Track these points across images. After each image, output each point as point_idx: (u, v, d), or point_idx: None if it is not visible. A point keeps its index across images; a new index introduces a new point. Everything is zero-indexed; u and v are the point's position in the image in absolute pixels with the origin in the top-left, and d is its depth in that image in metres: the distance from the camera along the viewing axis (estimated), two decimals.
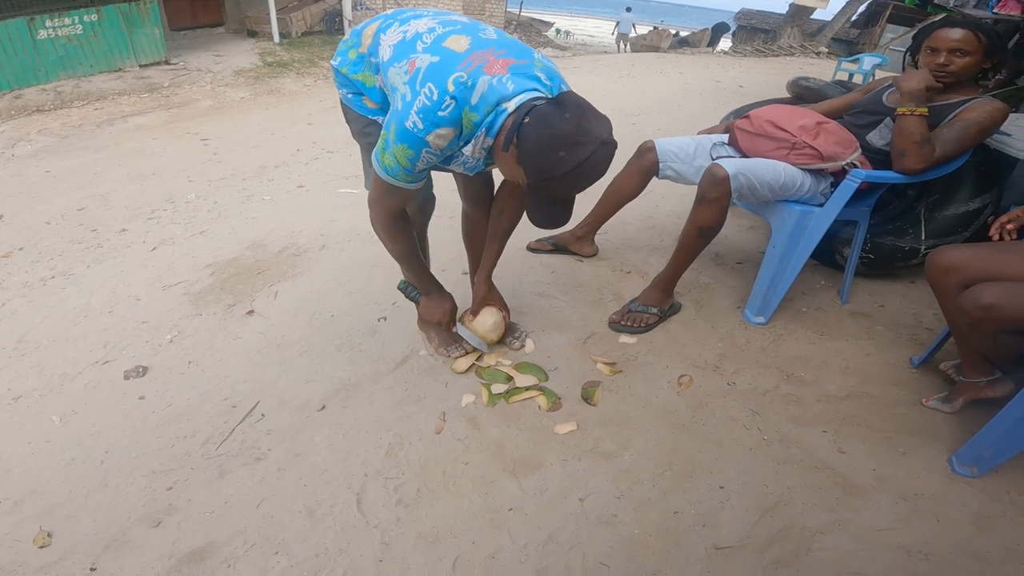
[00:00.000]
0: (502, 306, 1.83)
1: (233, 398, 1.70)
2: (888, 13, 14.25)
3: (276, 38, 8.41)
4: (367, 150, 1.52)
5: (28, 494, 1.41)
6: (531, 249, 2.45)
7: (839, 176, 1.90)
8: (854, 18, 15.67)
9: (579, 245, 2.41)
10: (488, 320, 1.80)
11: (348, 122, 1.53)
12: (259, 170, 3.72)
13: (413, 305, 1.90)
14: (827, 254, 2.40)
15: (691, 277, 2.31)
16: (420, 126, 1.15)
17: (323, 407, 1.66)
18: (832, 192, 1.90)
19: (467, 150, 1.24)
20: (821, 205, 1.91)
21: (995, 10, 4.02)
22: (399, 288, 1.76)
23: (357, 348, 1.90)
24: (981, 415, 1.58)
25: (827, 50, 13.96)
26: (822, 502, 1.41)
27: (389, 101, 1.32)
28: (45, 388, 1.77)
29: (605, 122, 1.13)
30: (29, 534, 1.31)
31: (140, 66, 6.89)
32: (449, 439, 1.55)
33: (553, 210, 1.22)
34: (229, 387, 1.74)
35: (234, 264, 2.46)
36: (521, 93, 1.16)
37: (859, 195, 1.93)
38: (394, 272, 1.89)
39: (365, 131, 1.47)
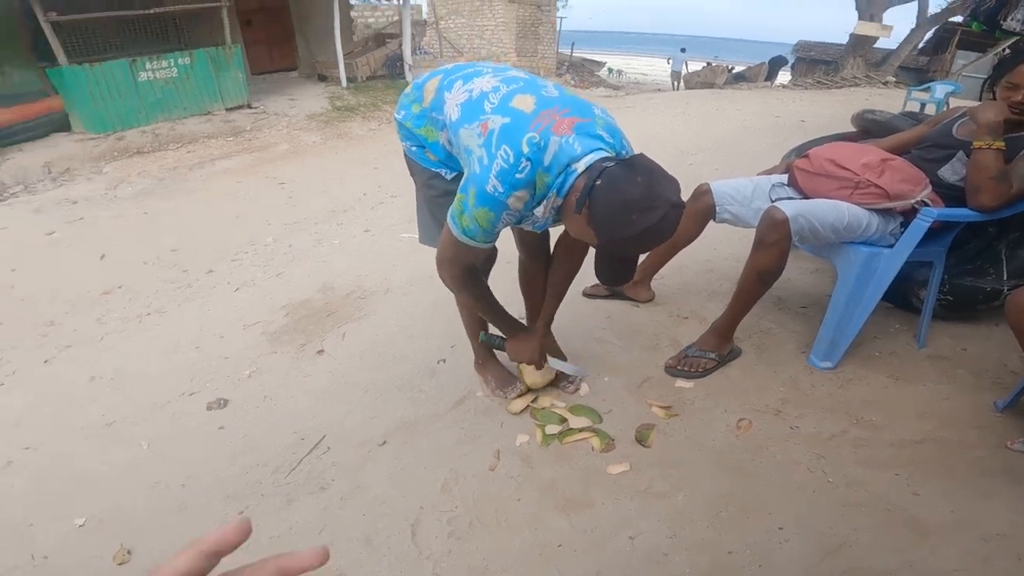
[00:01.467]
0: (557, 352, 1.86)
1: (302, 431, 1.80)
2: (957, 39, 13.57)
3: (344, 82, 8.97)
4: (428, 203, 1.59)
5: (113, 513, 1.54)
6: (587, 295, 2.45)
7: (909, 215, 1.81)
8: (921, 45, 14.93)
9: (635, 290, 2.40)
10: (540, 375, 1.84)
11: (412, 174, 1.61)
12: (329, 214, 3.96)
13: (471, 348, 1.95)
14: (901, 296, 2.27)
15: (752, 322, 2.25)
16: (500, 189, 1.19)
17: (384, 443, 1.73)
18: (902, 232, 1.81)
19: (538, 211, 1.28)
20: (891, 246, 1.83)
21: None
22: (482, 340, 1.81)
23: (417, 389, 1.97)
24: None
25: (895, 79, 13.39)
26: (892, 543, 1.34)
27: (457, 159, 1.40)
28: (136, 416, 1.94)
29: (675, 184, 1.15)
30: (110, 551, 1.43)
31: (226, 109, 7.47)
32: (502, 476, 1.58)
33: (619, 268, 1.26)
34: (299, 421, 1.85)
35: (306, 306, 2.63)
36: (589, 153, 1.19)
37: (933, 234, 1.83)
38: (453, 316, 1.96)
39: (429, 183, 1.54)
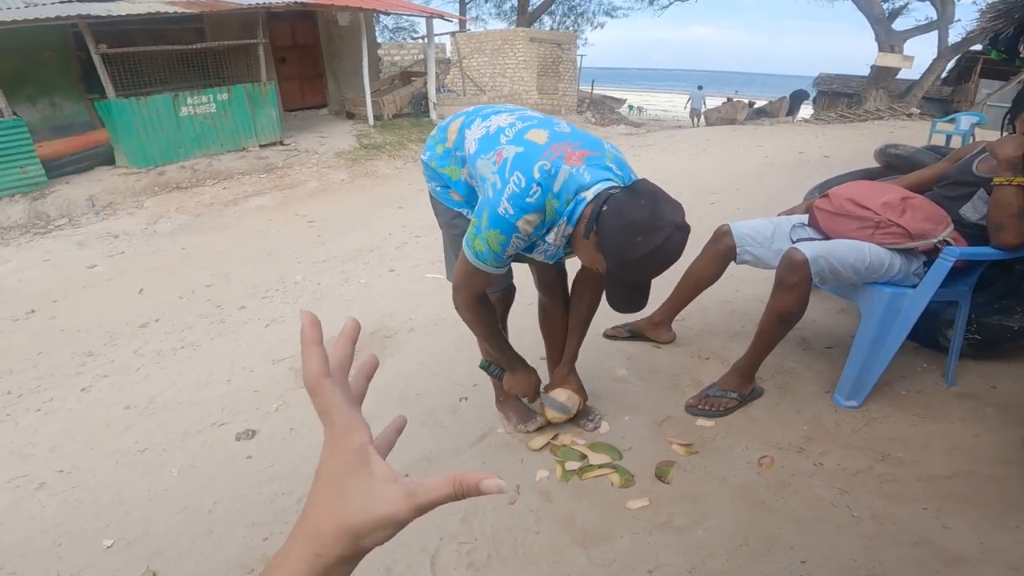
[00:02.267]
0: (579, 389, 1.86)
1: None
2: (979, 68, 13.44)
3: (371, 120, 9.28)
4: (452, 242, 1.65)
5: (141, 536, 1.59)
6: (608, 336, 2.45)
7: (932, 254, 1.80)
8: (944, 75, 14.84)
9: (656, 332, 2.39)
10: (562, 395, 1.85)
11: (436, 214, 1.68)
12: (356, 253, 4.08)
13: (492, 387, 1.99)
14: (928, 336, 2.23)
15: (775, 362, 2.22)
16: (511, 211, 1.25)
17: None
18: (926, 272, 1.80)
19: (549, 238, 1.33)
20: (915, 286, 1.82)
21: None
22: (481, 367, 1.82)
23: (439, 424, 2.00)
24: None
25: (919, 111, 13.29)
26: (919, 575, 1.32)
27: (476, 192, 1.46)
28: (168, 443, 2.00)
29: (678, 207, 1.20)
30: (136, 572, 1.47)
31: (260, 146, 7.75)
32: (522, 510, 1.58)
33: (631, 295, 1.28)
34: None
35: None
36: (597, 183, 1.25)
37: (957, 273, 1.82)
38: (475, 356, 1.99)
39: (452, 223, 1.61)
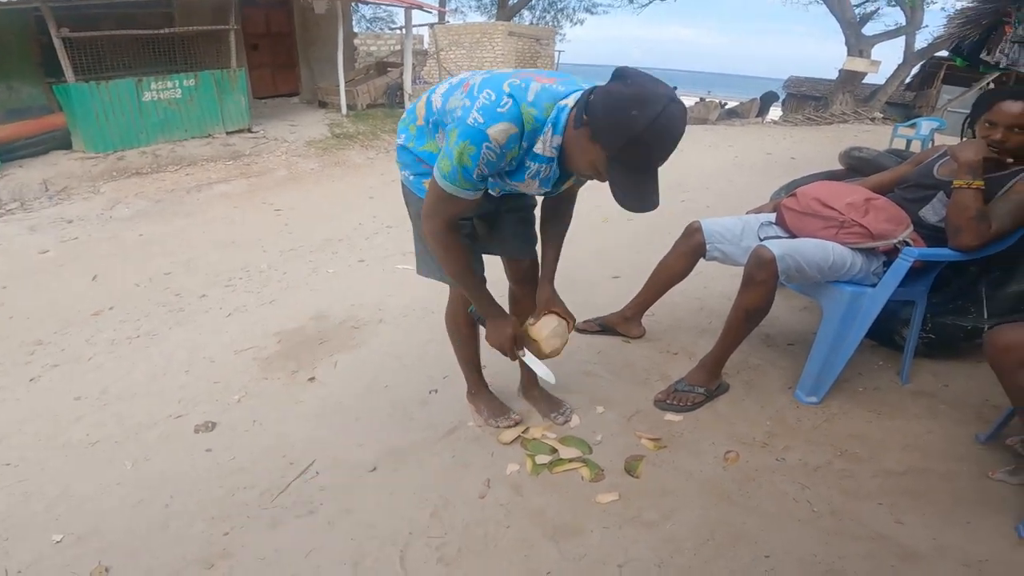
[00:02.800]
0: (565, 313, 1.68)
1: (291, 456, 1.79)
2: (943, 74, 13.78)
3: (344, 110, 9.05)
4: (422, 235, 1.57)
5: (92, 531, 1.53)
6: (579, 330, 2.44)
7: (892, 255, 1.86)
8: (908, 80, 15.23)
9: (626, 326, 2.41)
10: (550, 324, 1.64)
11: (407, 204, 1.63)
12: (324, 243, 3.98)
13: (463, 379, 1.96)
14: (885, 334, 2.32)
15: (740, 358, 2.27)
16: (480, 120, 1.19)
17: (374, 468, 1.72)
18: (885, 272, 1.86)
19: (537, 148, 1.26)
20: (874, 285, 1.88)
21: None
22: (470, 311, 1.69)
23: (409, 416, 1.97)
24: None
25: (882, 115, 13.63)
26: (876, 570, 1.37)
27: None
28: (122, 436, 1.92)
29: (667, 86, 1.14)
30: (87, 567, 1.41)
31: (227, 133, 7.49)
32: (492, 504, 1.58)
33: (639, 186, 1.19)
34: (288, 445, 1.84)
35: (299, 333, 2.63)
36: (574, 92, 1.23)
37: (915, 274, 1.88)
38: (446, 347, 1.97)
39: (421, 214, 1.55)
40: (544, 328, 1.62)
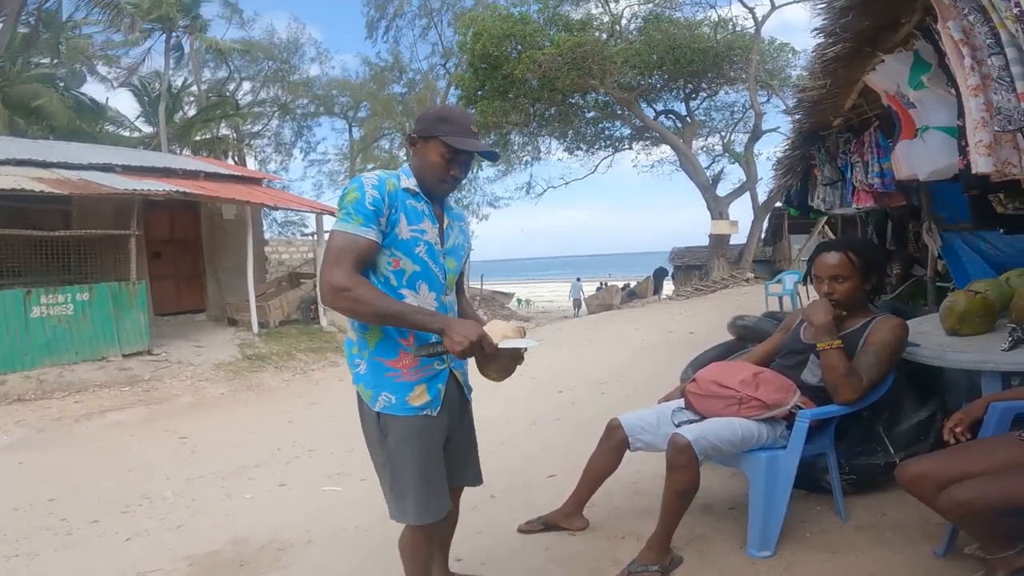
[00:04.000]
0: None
1: None
2: (787, 224, 13.88)
3: (255, 328, 8.46)
4: (390, 457, 1.54)
5: None
6: (522, 531, 2.42)
7: (790, 419, 2.04)
8: (763, 235, 16.46)
9: (568, 521, 2.40)
10: (499, 324, 1.53)
11: (363, 429, 1.60)
12: (239, 469, 3.74)
13: None
14: (812, 482, 2.40)
15: (686, 530, 2.26)
16: (350, 183, 1.54)
17: None
18: (789, 433, 2.03)
19: (403, 184, 1.57)
20: (784, 447, 2.03)
21: (854, 205, 4.14)
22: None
23: None
24: None
25: (753, 275, 15.09)
26: None
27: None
28: None
29: None
30: None
31: (123, 356, 6.78)
32: None
33: (467, 142, 1.57)
34: None
35: (214, 557, 2.43)
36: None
37: (815, 430, 2.06)
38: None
39: (382, 442, 1.53)
40: (496, 326, 1.51)
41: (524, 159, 20.70)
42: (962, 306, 2.27)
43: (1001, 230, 3.83)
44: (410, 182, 1.59)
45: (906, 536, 2.07)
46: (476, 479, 1.79)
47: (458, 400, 1.69)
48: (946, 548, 1.89)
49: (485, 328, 1.48)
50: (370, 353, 1.55)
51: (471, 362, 1.60)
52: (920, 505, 2.22)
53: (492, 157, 1.80)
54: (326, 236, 10.86)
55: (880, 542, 2.07)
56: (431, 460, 1.56)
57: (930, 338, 2.33)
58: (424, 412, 1.54)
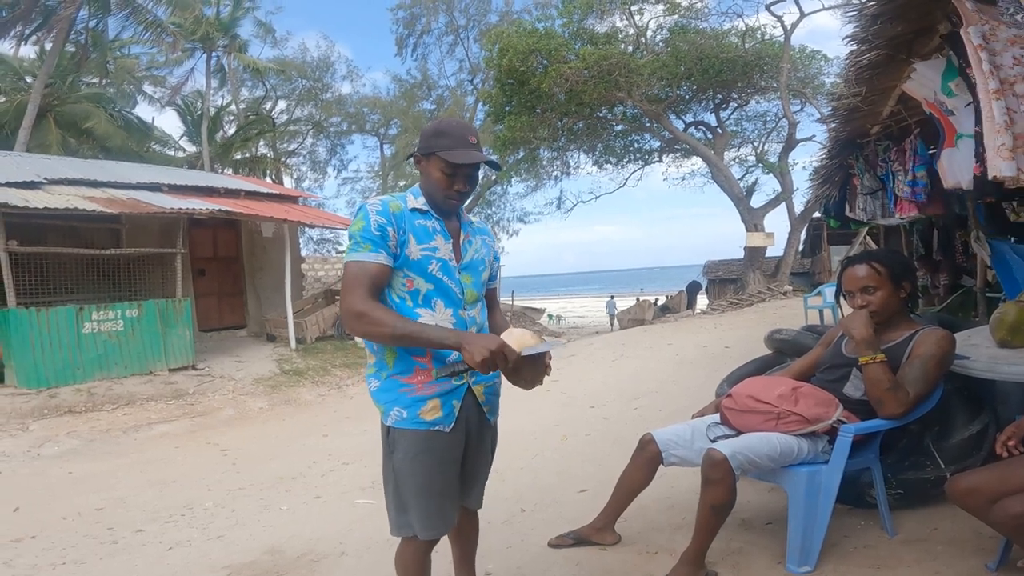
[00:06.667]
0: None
1: None
2: (826, 235, 13.53)
3: (293, 343, 8.73)
4: (396, 472, 1.55)
5: None
6: (552, 545, 2.39)
7: (833, 433, 1.98)
8: (801, 247, 16.32)
9: (600, 536, 2.37)
10: (515, 331, 1.55)
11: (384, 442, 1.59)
12: (277, 481, 3.82)
13: None
14: (856, 497, 2.32)
15: (721, 545, 2.21)
16: (356, 213, 1.55)
17: None
18: (832, 448, 1.97)
19: (411, 204, 1.58)
20: (827, 461, 1.97)
21: (897, 215, 3.99)
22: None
23: None
24: None
25: (791, 288, 14.65)
26: None
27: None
28: None
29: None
30: None
31: (169, 370, 7.03)
32: None
33: (465, 154, 1.54)
34: None
35: (252, 567, 2.48)
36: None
37: (860, 445, 2.00)
38: None
39: (392, 441, 1.55)
40: (514, 334, 1.52)
41: (553, 174, 20.63)
42: (1013, 316, 2.19)
43: (1012, 239, 3.76)
44: (418, 201, 1.60)
45: (957, 550, 1.99)
46: (478, 502, 1.78)
47: (476, 419, 1.65)
48: (999, 562, 1.82)
49: (503, 336, 1.49)
50: (388, 373, 1.57)
51: (504, 386, 1.62)
52: (972, 518, 2.14)
53: (494, 166, 1.80)
54: None
55: (930, 556, 1.99)
56: (436, 476, 1.54)
57: (981, 350, 2.25)
58: (436, 427, 1.53)
